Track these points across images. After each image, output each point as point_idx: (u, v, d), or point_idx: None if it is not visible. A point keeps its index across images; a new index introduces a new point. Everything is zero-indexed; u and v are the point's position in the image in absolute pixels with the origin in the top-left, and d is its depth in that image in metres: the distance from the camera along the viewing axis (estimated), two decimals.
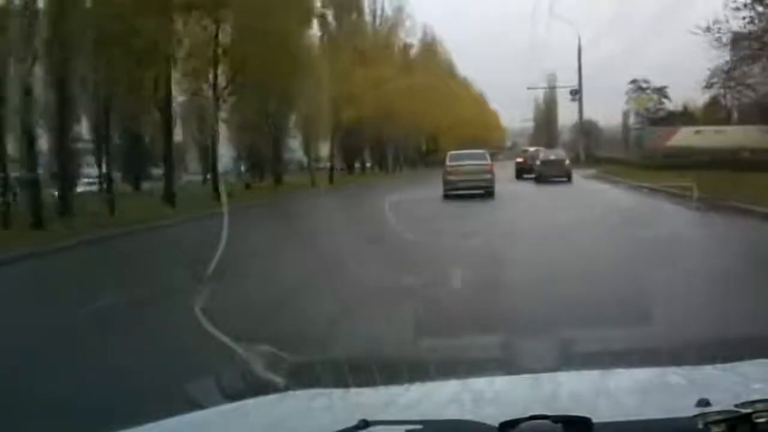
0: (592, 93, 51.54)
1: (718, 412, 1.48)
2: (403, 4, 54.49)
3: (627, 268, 9.04)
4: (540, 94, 72.69)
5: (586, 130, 53.67)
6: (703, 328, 5.31)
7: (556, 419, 1.48)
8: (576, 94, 51.93)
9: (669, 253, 9.78)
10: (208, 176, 36.52)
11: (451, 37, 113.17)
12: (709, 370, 2.01)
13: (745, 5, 27.30)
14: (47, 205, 19.04)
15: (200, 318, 4.47)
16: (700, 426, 1.46)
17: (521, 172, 36.33)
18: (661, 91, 52.92)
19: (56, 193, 21.13)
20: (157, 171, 37.30)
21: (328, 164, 43.15)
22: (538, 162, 33.41)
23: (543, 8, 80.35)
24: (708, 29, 28.51)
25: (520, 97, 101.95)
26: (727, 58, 30.45)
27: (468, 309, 6.79)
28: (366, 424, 1.55)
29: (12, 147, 20.63)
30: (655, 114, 51.02)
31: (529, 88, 63.84)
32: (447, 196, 24.08)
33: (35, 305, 8.83)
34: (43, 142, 22.71)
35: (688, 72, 55.54)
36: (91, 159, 33.62)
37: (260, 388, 2.67)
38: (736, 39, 28.67)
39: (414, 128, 51.75)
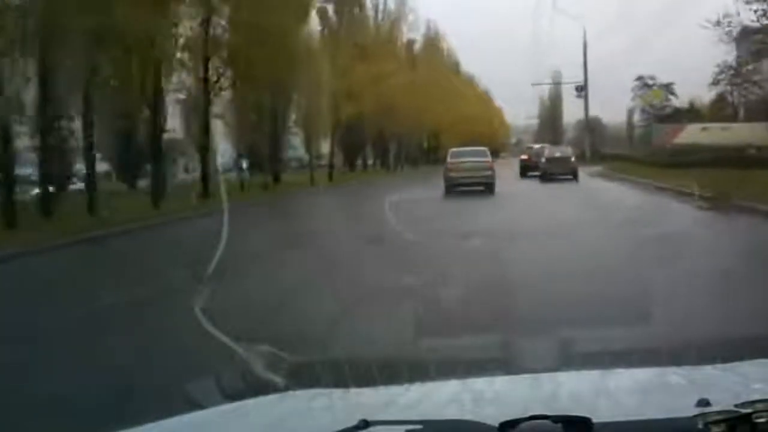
0: (596, 90, 51.60)
1: (718, 412, 1.50)
2: None
3: (643, 277, 8.08)
4: (545, 90, 72.77)
5: (590, 127, 53.58)
6: (709, 330, 5.28)
7: (556, 419, 1.50)
8: (581, 90, 51.82)
9: (687, 259, 9.21)
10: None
11: (455, 33, 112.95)
12: (709, 370, 2.02)
13: None
14: (28, 206, 18.58)
15: (149, 338, 4.42)
16: (700, 426, 1.47)
17: (526, 169, 36.03)
18: (667, 88, 52.88)
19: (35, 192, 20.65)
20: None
21: (328, 162, 43.03)
22: (543, 159, 33.01)
23: (547, 3, 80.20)
24: (718, 23, 28.49)
25: (524, 94, 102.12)
26: (737, 53, 30.45)
27: (467, 312, 6.69)
28: (366, 424, 1.56)
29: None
30: (661, 111, 50.95)
31: (533, 84, 64.13)
32: (449, 193, 24.67)
33: None
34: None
35: (694, 69, 55.54)
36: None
37: (260, 388, 2.68)
38: (746, 33, 28.64)
39: (416, 125, 51.60)
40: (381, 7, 51.80)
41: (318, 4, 41.04)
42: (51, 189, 23.11)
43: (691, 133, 39.10)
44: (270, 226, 15.57)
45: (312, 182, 34.97)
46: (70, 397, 4.71)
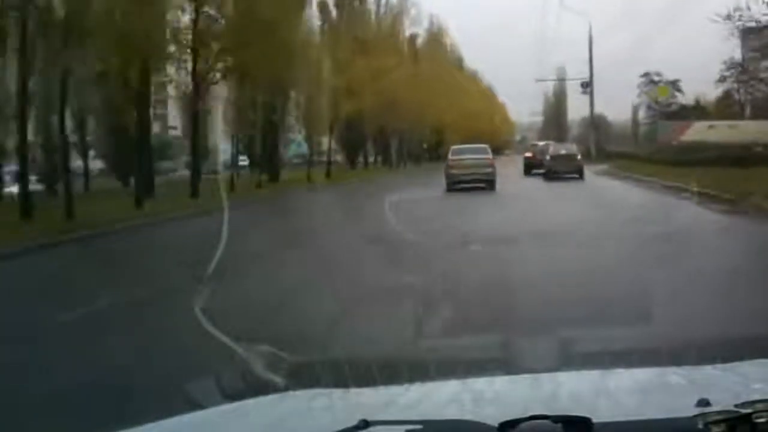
0: (601, 88, 51.33)
1: (718, 412, 1.51)
2: None
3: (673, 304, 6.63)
4: (549, 87, 72.70)
5: (595, 124, 53.50)
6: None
7: (556, 419, 1.51)
8: (587, 86, 51.74)
9: (717, 276, 8.29)
10: (209, 171, 36.21)
11: (459, 29, 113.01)
12: (709, 370, 2.04)
13: None
14: (6, 206, 18.13)
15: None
16: (700, 426, 1.49)
17: (530, 167, 35.72)
18: (673, 85, 52.87)
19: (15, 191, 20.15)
20: (159, 165, 37.02)
21: (330, 158, 42.79)
22: (547, 157, 32.70)
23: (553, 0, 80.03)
24: (729, 17, 28.39)
25: (528, 91, 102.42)
26: (746, 47, 30.38)
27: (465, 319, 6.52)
28: (366, 424, 1.58)
29: None
30: (667, 108, 50.94)
31: (538, 81, 63.89)
32: (450, 191, 24.94)
33: None
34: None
35: (699, 66, 55.69)
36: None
37: (260, 388, 2.70)
38: (752, 30, 28.60)
39: (419, 121, 51.48)
40: (383, 1, 51.69)
41: None
42: (40, 187, 22.81)
43: (698, 131, 39.09)
44: (249, 231, 13.46)
45: (309, 179, 34.52)
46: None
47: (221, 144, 37.90)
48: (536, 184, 29.41)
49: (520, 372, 2.35)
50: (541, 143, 41.58)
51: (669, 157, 32.41)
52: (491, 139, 42.00)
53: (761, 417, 1.50)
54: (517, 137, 79.90)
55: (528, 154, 38.42)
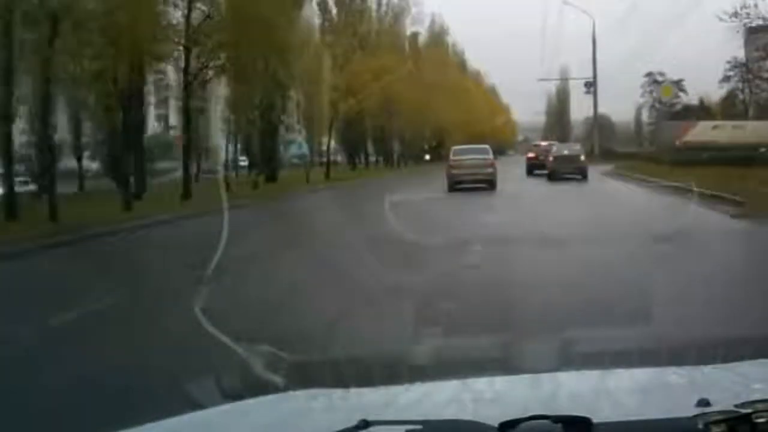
0: (603, 88, 51.26)
1: (718, 412, 1.53)
2: None
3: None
4: (552, 87, 72.77)
5: (599, 124, 53.48)
6: None
7: (556, 419, 1.53)
8: (590, 86, 51.77)
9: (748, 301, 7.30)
10: (209, 172, 36.19)
11: (462, 29, 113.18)
12: (709, 370, 2.05)
13: None
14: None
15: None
16: (700, 426, 1.50)
17: (532, 167, 35.60)
18: (677, 84, 52.91)
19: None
20: (160, 166, 36.93)
21: (331, 159, 42.57)
22: (551, 158, 32.46)
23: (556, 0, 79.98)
24: (736, 14, 28.32)
25: (531, 90, 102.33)
26: (751, 46, 30.34)
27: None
28: (366, 424, 1.59)
29: None
30: (671, 108, 50.99)
31: (540, 80, 64.10)
32: (452, 190, 25.46)
33: None
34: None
35: (702, 66, 55.76)
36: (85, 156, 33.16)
37: (260, 388, 2.71)
38: (759, 28, 28.59)
39: (420, 121, 51.46)
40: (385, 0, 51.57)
41: None
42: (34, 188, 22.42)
43: (702, 131, 39.06)
44: (235, 236, 12.26)
45: (307, 180, 34.19)
46: None
47: (219, 143, 37.76)
48: (539, 185, 28.98)
49: (520, 372, 2.36)
50: (544, 143, 41.31)
51: (673, 157, 32.32)
52: (493, 139, 41.95)
53: (761, 417, 1.51)
54: (520, 137, 79.97)
55: (531, 155, 38.17)
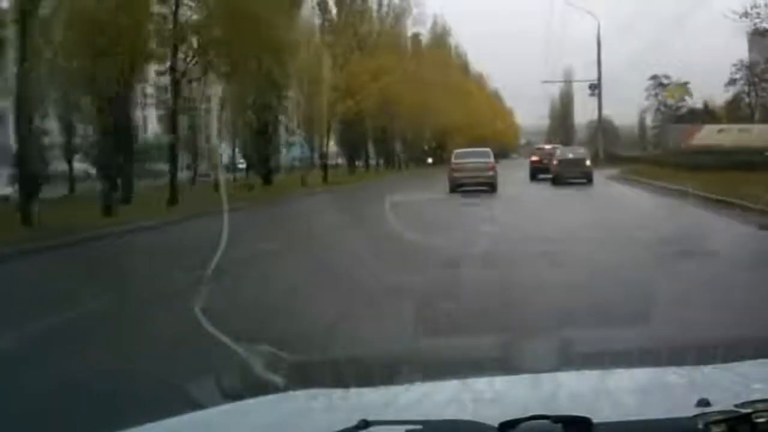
0: (608, 91, 51.06)
1: (718, 412, 1.54)
2: None
3: None
4: (556, 90, 72.81)
5: (603, 127, 53.35)
6: None
7: (556, 419, 1.54)
8: (595, 88, 51.62)
9: None
10: (206, 175, 36.03)
11: (464, 31, 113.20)
12: (709, 370, 2.07)
13: None
14: None
15: None
16: (700, 426, 1.52)
17: (536, 172, 34.66)
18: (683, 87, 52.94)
19: None
20: (159, 168, 36.73)
21: (332, 161, 42.26)
22: (555, 161, 31.84)
23: (560, 2, 79.92)
24: (746, 14, 28.18)
25: (534, 94, 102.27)
26: (756, 49, 30.26)
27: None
28: (366, 424, 1.60)
29: None
30: (676, 111, 51.02)
31: (544, 82, 64.09)
32: (453, 192, 26.13)
33: None
34: None
35: (706, 71, 55.82)
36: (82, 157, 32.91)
37: (260, 388, 2.72)
38: (760, 32, 28.56)
39: (421, 123, 51.39)
40: (385, 0, 51.37)
41: None
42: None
43: (708, 135, 39.09)
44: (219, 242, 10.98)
45: (303, 183, 33.15)
46: None
47: (216, 144, 37.55)
48: (543, 190, 28.13)
49: (520, 372, 2.37)
50: (548, 146, 40.58)
51: (679, 161, 32.19)
52: (496, 142, 41.89)
53: (761, 417, 1.52)
54: (523, 140, 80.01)
55: (534, 158, 37.13)
